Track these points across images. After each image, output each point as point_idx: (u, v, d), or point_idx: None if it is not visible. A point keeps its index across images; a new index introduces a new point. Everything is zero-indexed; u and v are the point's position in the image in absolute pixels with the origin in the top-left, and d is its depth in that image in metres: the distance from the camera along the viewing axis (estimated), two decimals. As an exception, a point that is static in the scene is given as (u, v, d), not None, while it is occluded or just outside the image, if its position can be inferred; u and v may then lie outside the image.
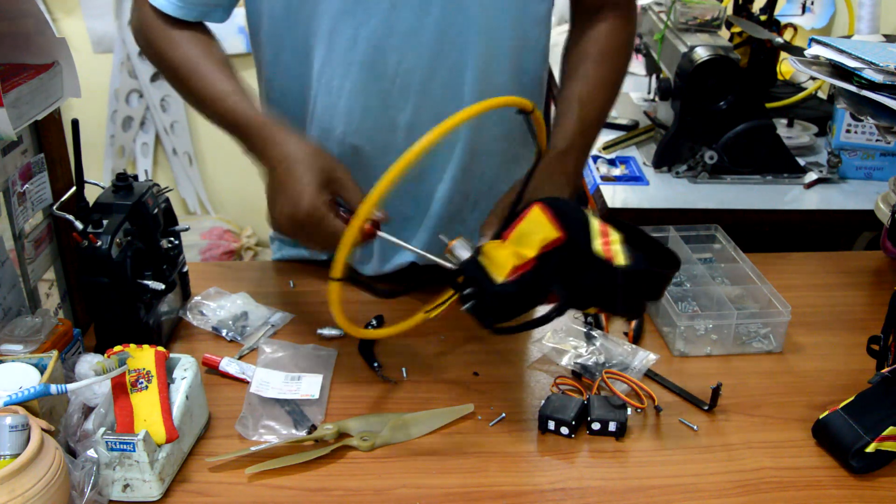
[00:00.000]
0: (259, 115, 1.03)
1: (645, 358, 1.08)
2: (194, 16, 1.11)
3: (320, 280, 1.30)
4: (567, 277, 0.88)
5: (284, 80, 1.18)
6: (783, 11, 2.26)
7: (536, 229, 0.89)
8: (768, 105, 1.92)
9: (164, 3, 1.09)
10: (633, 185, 1.75)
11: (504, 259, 0.89)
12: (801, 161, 1.80)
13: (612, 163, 1.85)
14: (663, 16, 1.93)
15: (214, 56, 1.09)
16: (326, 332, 1.15)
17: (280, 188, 0.96)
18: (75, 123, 1.01)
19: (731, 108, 1.71)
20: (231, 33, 2.92)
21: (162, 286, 1.05)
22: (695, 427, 0.99)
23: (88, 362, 0.96)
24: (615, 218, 0.92)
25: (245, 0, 1.16)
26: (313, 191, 0.94)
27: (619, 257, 0.86)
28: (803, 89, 2.14)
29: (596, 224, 0.89)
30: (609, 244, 0.87)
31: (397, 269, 1.26)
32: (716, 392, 1.01)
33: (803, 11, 2.34)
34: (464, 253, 0.93)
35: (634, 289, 0.88)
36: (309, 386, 1.02)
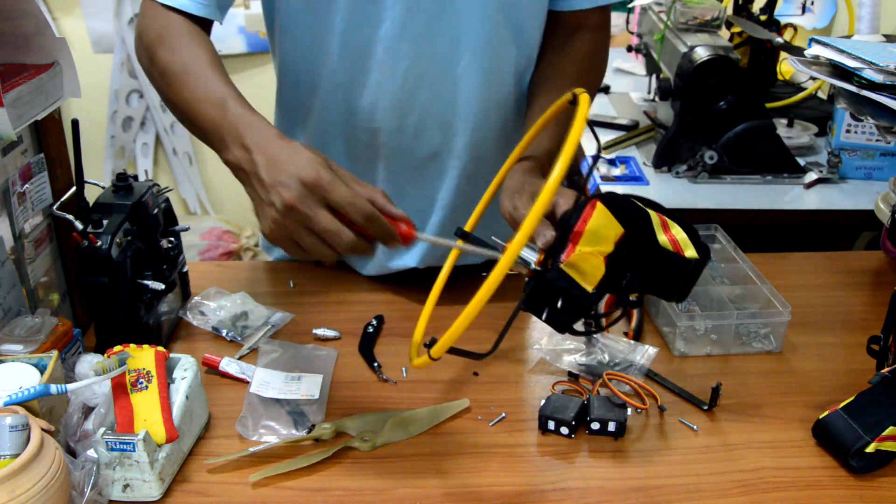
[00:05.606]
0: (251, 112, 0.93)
1: (645, 352, 1.09)
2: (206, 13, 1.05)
3: (320, 280, 1.30)
4: (637, 270, 0.89)
5: (296, 76, 1.18)
6: (783, 11, 2.26)
7: (607, 225, 0.87)
8: (768, 105, 1.92)
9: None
10: (633, 185, 1.75)
11: (593, 267, 0.86)
12: (801, 161, 1.80)
13: (612, 163, 1.84)
14: (663, 16, 1.93)
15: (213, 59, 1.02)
16: (322, 332, 1.15)
17: (280, 157, 0.84)
18: (75, 123, 1.01)
19: (731, 108, 1.71)
20: (231, 33, 2.92)
21: (162, 286, 1.05)
22: (695, 427, 0.99)
23: (88, 362, 0.96)
24: (659, 206, 0.92)
25: None
26: (319, 158, 0.83)
27: (690, 249, 0.88)
28: (803, 89, 2.14)
29: (655, 217, 0.90)
30: (675, 236, 0.89)
31: (399, 270, 1.26)
32: (716, 392, 1.01)
33: (803, 11, 2.34)
34: (530, 256, 0.89)
35: (695, 278, 0.91)
36: (309, 386, 1.02)
